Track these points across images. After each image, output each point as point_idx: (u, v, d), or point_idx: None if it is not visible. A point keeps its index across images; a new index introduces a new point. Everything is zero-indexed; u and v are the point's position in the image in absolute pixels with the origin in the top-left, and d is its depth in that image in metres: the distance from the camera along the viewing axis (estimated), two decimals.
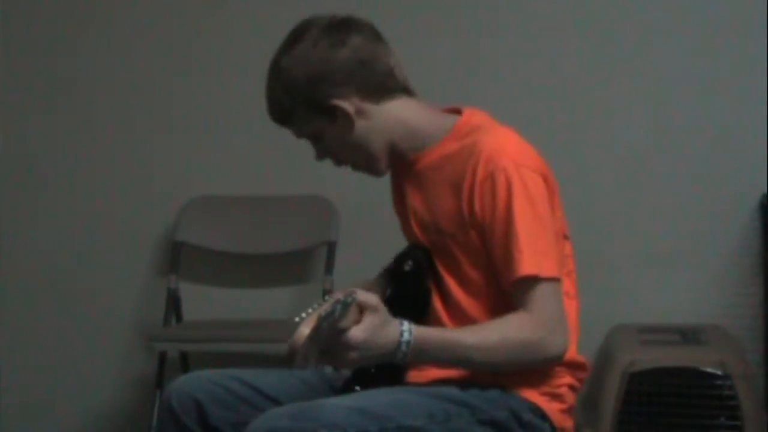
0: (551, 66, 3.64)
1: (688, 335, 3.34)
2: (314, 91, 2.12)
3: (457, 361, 2.05)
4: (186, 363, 3.79)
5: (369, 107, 2.14)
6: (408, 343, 1.97)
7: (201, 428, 2.15)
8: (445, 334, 2.05)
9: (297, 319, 1.89)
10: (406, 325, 1.97)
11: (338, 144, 2.18)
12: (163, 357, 3.69)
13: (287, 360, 1.90)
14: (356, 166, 2.22)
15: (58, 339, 3.93)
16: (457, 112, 2.23)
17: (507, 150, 2.09)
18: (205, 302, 3.82)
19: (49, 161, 3.94)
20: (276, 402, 2.13)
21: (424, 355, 2.01)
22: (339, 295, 1.92)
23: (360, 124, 2.15)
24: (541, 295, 2.03)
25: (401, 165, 2.22)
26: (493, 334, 2.03)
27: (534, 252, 2.03)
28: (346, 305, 1.88)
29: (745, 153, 3.53)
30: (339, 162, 2.22)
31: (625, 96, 3.61)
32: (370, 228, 3.67)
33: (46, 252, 3.94)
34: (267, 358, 3.58)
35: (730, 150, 3.56)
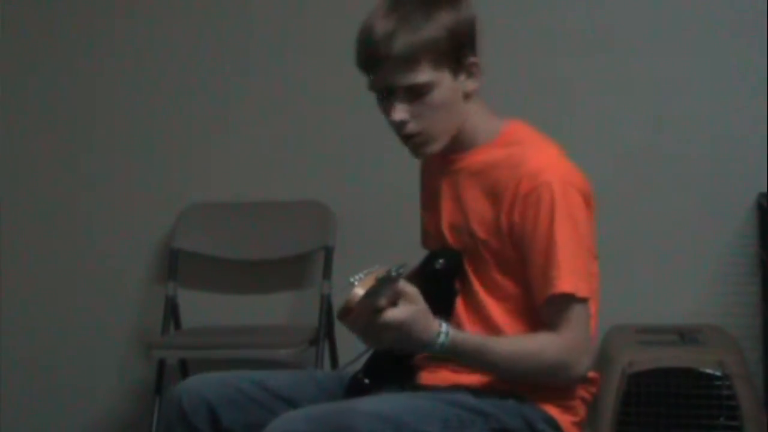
0: (551, 66, 3.64)
1: (687, 336, 3.34)
2: (464, 42, 2.12)
3: (487, 367, 2.07)
4: (185, 370, 3.78)
5: (476, 85, 2.15)
6: (443, 345, 2.00)
7: (212, 430, 2.13)
8: (480, 339, 2.06)
9: (352, 280, 1.91)
10: (444, 327, 2.00)
11: (442, 101, 2.11)
12: (162, 364, 3.68)
13: (340, 316, 1.92)
14: (422, 134, 2.13)
15: (57, 347, 3.93)
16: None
17: (553, 167, 2.10)
18: (204, 309, 3.81)
19: (47, 168, 3.94)
20: (288, 402, 2.13)
21: (455, 357, 2.05)
22: (388, 265, 1.94)
23: (462, 99, 2.14)
24: (575, 315, 2.05)
25: (438, 162, 2.21)
26: (527, 350, 2.05)
27: (572, 271, 2.05)
28: (400, 272, 1.91)
29: (742, 153, 3.53)
30: (415, 124, 2.11)
31: (623, 96, 3.61)
32: (367, 232, 3.67)
33: (43, 260, 3.94)
34: (267, 364, 3.57)
35: (726, 150, 3.56)
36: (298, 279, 3.83)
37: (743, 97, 3.53)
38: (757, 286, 3.50)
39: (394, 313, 1.94)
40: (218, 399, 2.14)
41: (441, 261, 2.18)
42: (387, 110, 2.13)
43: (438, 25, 2.08)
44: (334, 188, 3.66)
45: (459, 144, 2.17)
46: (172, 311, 3.74)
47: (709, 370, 3.13)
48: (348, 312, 1.91)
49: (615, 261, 3.56)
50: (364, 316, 1.93)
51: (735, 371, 3.13)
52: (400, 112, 2.11)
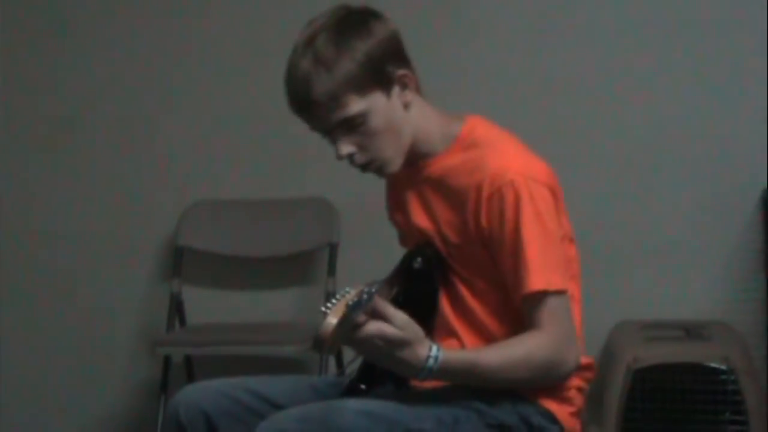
0: (551, 64, 3.64)
1: (692, 331, 3.34)
2: (384, 60, 2.05)
3: (479, 382, 2.05)
4: (190, 367, 3.79)
5: (413, 93, 2.12)
6: (431, 369, 1.97)
7: None
8: (469, 356, 2.04)
9: (324, 309, 1.87)
10: (434, 350, 1.97)
11: (381, 125, 2.08)
12: (167, 361, 3.68)
13: (315, 348, 1.89)
14: (375, 161, 2.12)
15: (62, 345, 3.93)
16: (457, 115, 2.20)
17: (513, 164, 2.07)
18: (209, 306, 3.82)
19: (50, 166, 3.94)
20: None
21: (446, 378, 2.03)
22: (360, 286, 1.92)
23: (403, 111, 2.10)
24: (553, 310, 2.04)
25: (403, 173, 2.20)
26: (516, 356, 2.03)
27: (542, 267, 2.04)
28: (371, 294, 1.88)
29: (746, 148, 3.53)
30: (362, 154, 2.10)
31: (626, 92, 3.61)
32: (371, 229, 3.66)
33: (48, 257, 3.94)
34: (272, 360, 3.58)
35: (730, 145, 3.56)
36: (303, 276, 3.83)
37: (747, 94, 3.53)
38: (762, 282, 3.49)
39: (374, 326, 1.91)
40: (215, 411, 2.13)
41: (419, 260, 2.16)
42: (333, 147, 2.10)
43: (352, 56, 2.03)
44: (339, 185, 3.66)
45: (418, 154, 2.15)
46: (177, 308, 3.75)
47: (714, 365, 3.13)
48: (322, 343, 1.86)
49: (620, 258, 3.58)
50: (344, 335, 1.91)
51: (740, 366, 3.13)
52: (345, 146, 2.08)
